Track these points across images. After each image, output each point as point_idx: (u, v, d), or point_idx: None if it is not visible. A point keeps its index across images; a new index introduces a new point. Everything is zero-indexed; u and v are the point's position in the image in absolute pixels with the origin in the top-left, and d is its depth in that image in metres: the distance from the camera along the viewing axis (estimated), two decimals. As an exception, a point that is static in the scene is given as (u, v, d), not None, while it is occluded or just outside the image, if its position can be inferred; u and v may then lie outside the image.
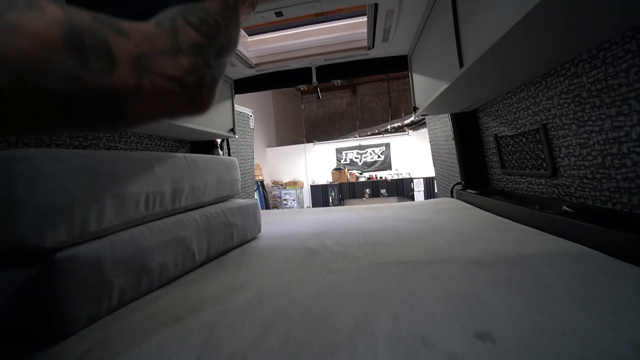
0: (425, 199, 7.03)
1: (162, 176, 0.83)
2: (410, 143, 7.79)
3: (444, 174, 2.56)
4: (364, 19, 1.79)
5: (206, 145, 2.27)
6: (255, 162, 7.20)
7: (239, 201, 1.26)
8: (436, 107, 1.66)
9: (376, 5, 1.37)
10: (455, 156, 2.13)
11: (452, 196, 2.10)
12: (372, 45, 1.76)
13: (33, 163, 0.53)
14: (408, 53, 1.95)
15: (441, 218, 1.41)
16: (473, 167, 1.96)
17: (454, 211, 1.55)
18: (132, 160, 0.76)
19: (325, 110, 10.97)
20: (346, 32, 1.81)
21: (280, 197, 7.93)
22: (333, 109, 10.91)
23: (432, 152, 3.01)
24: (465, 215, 1.43)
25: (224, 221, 1.08)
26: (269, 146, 8.70)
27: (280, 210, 2.35)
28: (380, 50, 1.86)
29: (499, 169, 1.68)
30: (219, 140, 2.32)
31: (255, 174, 6.75)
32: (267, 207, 7.11)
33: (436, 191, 6.57)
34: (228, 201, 1.21)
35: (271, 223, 1.63)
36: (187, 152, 2.23)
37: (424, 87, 1.68)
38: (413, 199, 7.16)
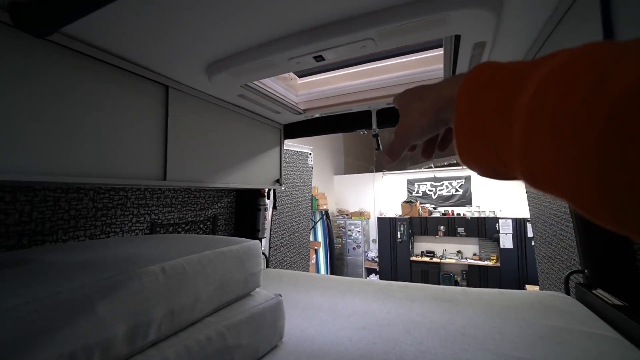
0: (514, 244, 5.87)
1: (109, 316, 0.57)
2: (496, 177, 6.71)
3: (549, 240, 1.89)
4: (439, 52, 1.39)
5: (251, 193, 2.07)
6: (321, 190, 7.09)
7: (252, 303, 0.95)
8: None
9: (458, 37, 0.98)
10: (569, 225, 1.51)
11: (566, 289, 1.46)
12: (449, 86, 1.34)
13: None
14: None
15: None
16: (606, 246, 1.33)
17: (584, 342, 0.98)
18: (50, 309, 0.50)
19: (398, 137, 10.37)
20: (414, 70, 1.43)
21: (344, 228, 7.57)
22: (406, 135, 10.26)
23: (529, 204, 2.33)
24: None
25: (218, 347, 0.77)
26: (337, 173, 8.51)
27: (318, 278, 1.97)
28: (461, 91, 1.42)
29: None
30: (266, 188, 2.11)
31: (320, 203, 6.58)
32: (331, 238, 6.81)
33: (532, 243, 5.47)
34: (234, 307, 0.91)
35: (300, 313, 1.28)
36: (231, 202, 2.06)
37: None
38: (498, 243, 6.05)
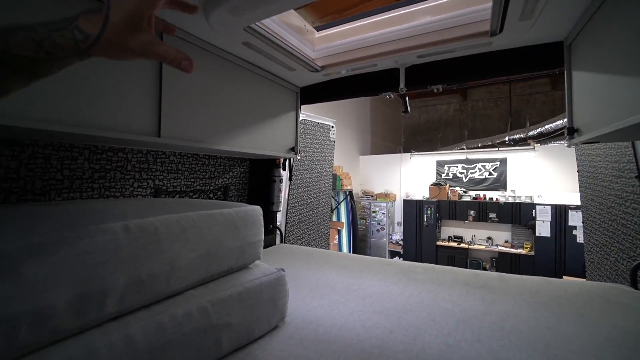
0: (552, 232, 5.41)
1: (41, 280, 0.44)
2: (534, 160, 6.16)
3: (605, 226, 1.61)
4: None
5: (266, 163, 1.93)
6: (346, 170, 6.90)
7: (247, 277, 0.81)
8: (625, 132, 0.88)
9: None
10: (638, 207, 1.24)
11: (634, 283, 1.20)
12: (498, 28, 1.08)
13: None
14: (565, 38, 1.17)
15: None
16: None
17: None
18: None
19: (429, 117, 9.84)
20: (452, 12, 1.18)
21: (369, 209, 7.37)
22: (438, 115, 9.69)
23: (581, 185, 2.02)
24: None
25: (199, 325, 0.65)
26: (363, 154, 8.24)
27: (334, 256, 1.86)
28: (514, 36, 1.15)
29: None
30: (282, 158, 1.96)
31: (344, 183, 6.40)
32: (354, 219, 6.65)
33: (578, 238, 5.01)
34: (225, 280, 0.77)
35: (309, 292, 1.13)
36: (244, 172, 1.93)
37: (601, 97, 0.92)
38: (533, 230, 5.61)
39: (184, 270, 0.65)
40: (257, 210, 0.87)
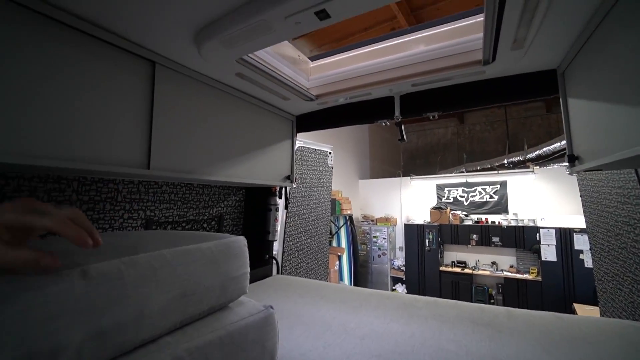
0: (558, 257, 5.27)
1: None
2: (535, 183, 6.13)
3: (615, 254, 1.54)
4: (473, 20, 1.15)
5: (262, 192, 1.90)
6: (345, 194, 6.86)
7: (231, 317, 0.75)
8: (626, 161, 0.85)
9: None
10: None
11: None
12: (491, 57, 1.08)
13: None
14: (558, 66, 1.17)
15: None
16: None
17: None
18: None
19: (427, 141, 9.93)
20: (444, 42, 1.18)
21: (370, 234, 7.25)
22: (436, 139, 9.79)
23: (585, 211, 1.97)
24: None
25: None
26: (362, 178, 8.23)
27: (331, 288, 1.77)
28: (506, 65, 1.15)
29: None
30: (278, 187, 1.93)
31: (344, 208, 6.34)
32: (355, 245, 6.52)
33: (586, 263, 4.88)
34: (205, 322, 0.70)
35: (303, 332, 1.06)
36: (239, 201, 1.89)
37: (598, 125, 0.90)
38: (539, 254, 5.46)
39: (156, 316, 0.59)
40: (241, 240, 0.82)
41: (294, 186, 1.85)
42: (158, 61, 1.06)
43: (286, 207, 2.04)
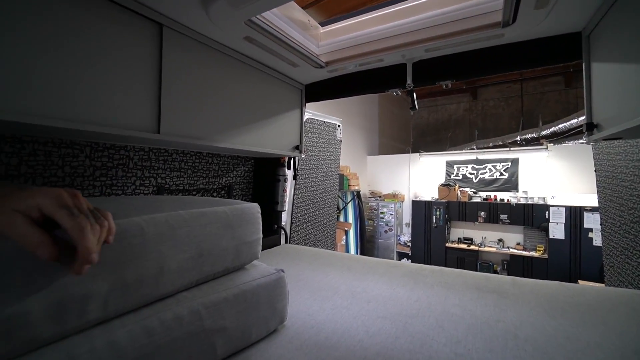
0: (566, 235, 5.25)
1: (8, 289, 0.41)
2: (548, 160, 6.00)
3: (627, 228, 1.52)
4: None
5: (270, 162, 1.90)
6: (353, 170, 6.84)
7: (244, 278, 0.77)
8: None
9: None
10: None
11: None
12: (511, 18, 1.02)
13: None
14: (584, 28, 1.11)
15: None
16: None
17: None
18: None
19: (438, 117, 9.70)
20: (461, 4, 1.12)
21: (377, 210, 7.30)
22: (447, 115, 9.55)
23: (599, 186, 1.93)
24: None
25: (191, 329, 0.61)
26: (371, 154, 8.17)
27: (339, 257, 1.83)
28: (527, 27, 1.09)
29: None
30: (286, 157, 1.93)
31: (352, 183, 6.35)
32: (362, 220, 6.58)
33: (594, 241, 4.85)
34: (220, 281, 0.73)
35: (312, 295, 1.09)
36: (248, 171, 1.91)
37: (623, 90, 0.86)
38: (546, 232, 5.45)
39: (175, 273, 0.61)
40: (255, 207, 0.83)
41: (303, 157, 1.85)
42: (165, 24, 1.04)
43: (295, 178, 2.05)
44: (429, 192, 7.16)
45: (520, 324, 0.86)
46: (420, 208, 6.87)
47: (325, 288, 1.17)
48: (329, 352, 0.73)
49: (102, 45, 0.90)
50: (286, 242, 2.09)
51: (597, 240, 4.96)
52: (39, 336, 0.44)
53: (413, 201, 7.05)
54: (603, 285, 1.86)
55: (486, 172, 6.77)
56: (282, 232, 2.03)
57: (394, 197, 7.43)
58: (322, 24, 1.46)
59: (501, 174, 6.58)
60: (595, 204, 1.99)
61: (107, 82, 0.92)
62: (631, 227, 1.48)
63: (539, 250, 5.62)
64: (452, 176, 7.10)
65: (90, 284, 0.48)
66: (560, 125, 6.16)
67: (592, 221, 5.08)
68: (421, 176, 7.47)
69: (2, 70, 0.71)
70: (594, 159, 1.88)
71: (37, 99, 0.78)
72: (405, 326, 0.86)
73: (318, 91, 1.74)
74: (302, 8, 1.36)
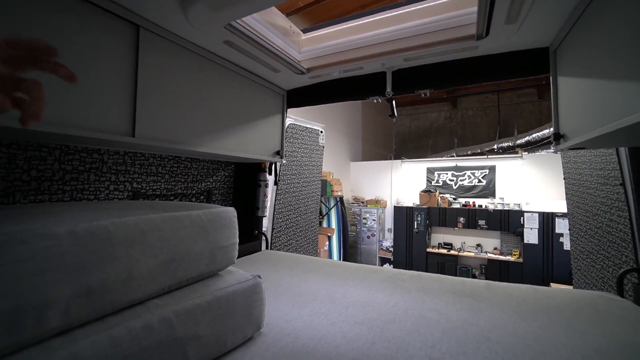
0: (540, 240, 5.47)
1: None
2: (522, 168, 6.25)
3: (591, 233, 1.60)
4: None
5: (251, 167, 1.88)
6: (336, 176, 6.87)
7: (219, 284, 0.76)
8: (610, 138, 0.87)
9: None
10: (623, 214, 1.23)
11: (621, 290, 1.18)
12: (484, 31, 1.07)
13: None
14: (551, 44, 1.17)
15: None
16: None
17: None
18: None
19: (419, 125, 9.93)
20: (438, 16, 1.16)
21: (360, 215, 7.36)
22: (428, 123, 9.80)
23: (567, 193, 2.03)
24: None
25: (162, 338, 0.59)
26: (354, 160, 8.25)
27: (319, 263, 1.80)
28: (500, 40, 1.14)
29: None
30: (268, 162, 1.92)
31: (335, 189, 6.37)
32: (345, 226, 6.60)
33: (565, 246, 5.07)
34: (193, 288, 0.71)
35: (290, 301, 1.08)
36: (229, 176, 1.88)
37: (586, 103, 0.91)
38: (522, 237, 5.65)
39: (145, 278, 0.59)
40: (230, 211, 0.82)
41: (284, 162, 1.85)
42: (142, 25, 1.02)
43: (276, 183, 2.04)
44: (411, 198, 7.30)
45: (492, 327, 0.88)
46: (402, 214, 6.99)
47: (304, 294, 1.16)
48: (305, 359, 0.73)
49: (73, 43, 0.87)
50: (267, 248, 2.06)
51: (567, 245, 5.19)
52: (-8, 349, 0.41)
53: (395, 207, 7.16)
54: (571, 287, 1.95)
55: (465, 178, 6.97)
56: (263, 237, 2.01)
57: (376, 202, 7.50)
58: (305, 31, 1.48)
59: (479, 181, 6.80)
60: (565, 210, 2.08)
61: (77, 82, 0.89)
62: (595, 232, 1.55)
63: (514, 255, 5.81)
64: (433, 182, 7.27)
65: (50, 290, 0.46)
66: (533, 135, 6.44)
67: (562, 226, 5.32)
68: (403, 182, 7.60)
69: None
70: (563, 167, 1.98)
71: None
72: (382, 331, 0.87)
73: (300, 97, 1.75)
74: (285, 15, 1.37)
